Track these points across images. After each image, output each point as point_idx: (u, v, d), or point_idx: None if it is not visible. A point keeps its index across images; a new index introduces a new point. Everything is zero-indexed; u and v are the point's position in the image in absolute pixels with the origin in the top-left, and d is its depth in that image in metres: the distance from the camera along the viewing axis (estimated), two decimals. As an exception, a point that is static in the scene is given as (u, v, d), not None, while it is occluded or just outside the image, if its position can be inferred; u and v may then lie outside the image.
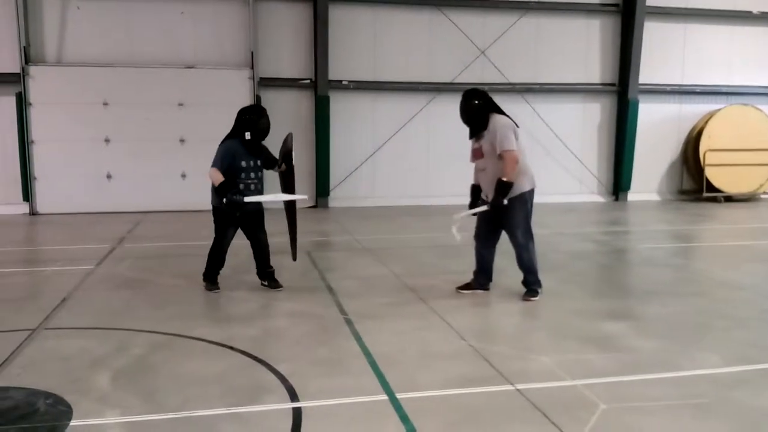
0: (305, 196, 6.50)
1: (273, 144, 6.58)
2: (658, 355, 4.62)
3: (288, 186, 6.61)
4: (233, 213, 6.23)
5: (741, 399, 3.81)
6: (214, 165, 6.18)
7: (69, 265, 7.91)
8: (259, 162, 6.39)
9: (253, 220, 6.46)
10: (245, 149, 6.28)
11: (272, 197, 6.37)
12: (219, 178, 6.11)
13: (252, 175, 6.32)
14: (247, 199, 6.15)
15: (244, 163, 6.25)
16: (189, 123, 13.54)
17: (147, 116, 13.40)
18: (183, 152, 13.55)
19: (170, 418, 3.56)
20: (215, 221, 6.43)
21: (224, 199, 6.09)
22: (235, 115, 6.42)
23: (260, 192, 6.45)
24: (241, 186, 6.23)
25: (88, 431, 3.43)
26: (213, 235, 6.49)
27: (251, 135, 6.27)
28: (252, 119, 6.31)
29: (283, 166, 6.48)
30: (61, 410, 3.65)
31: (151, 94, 13.42)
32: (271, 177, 6.68)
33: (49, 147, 13.09)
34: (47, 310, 5.79)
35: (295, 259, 6.97)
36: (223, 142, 6.35)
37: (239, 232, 6.53)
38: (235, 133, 6.34)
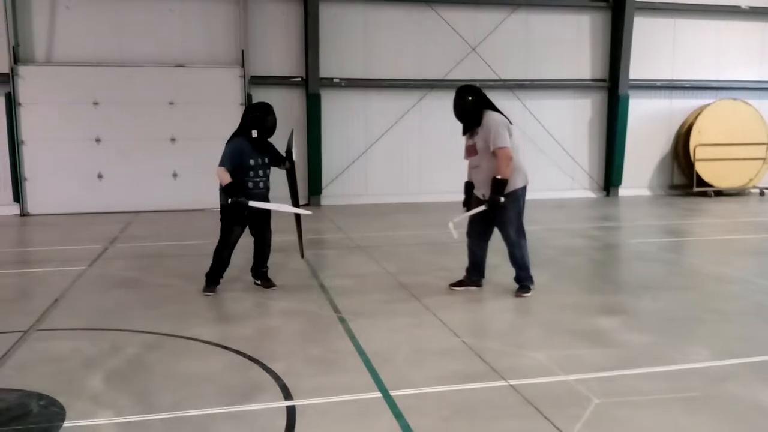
0: (309, 212, 6.50)
1: (275, 142, 6.57)
2: (649, 349, 4.65)
3: (292, 185, 6.65)
4: (241, 212, 6.22)
5: (730, 392, 3.85)
6: (222, 164, 6.13)
7: (61, 265, 7.89)
8: (266, 160, 6.39)
9: (260, 218, 6.44)
10: (252, 147, 6.25)
11: (276, 206, 6.33)
12: (226, 179, 6.08)
13: (260, 172, 6.31)
14: (251, 203, 6.13)
15: (252, 161, 6.23)
16: (180, 122, 13.50)
17: (137, 116, 13.34)
18: (174, 151, 13.50)
19: (164, 418, 3.56)
20: (222, 219, 6.36)
21: (229, 200, 6.08)
22: (241, 113, 6.45)
23: (268, 189, 6.46)
24: (250, 184, 6.22)
25: (82, 432, 3.43)
26: (207, 233, 6.44)
27: (258, 133, 6.25)
28: (259, 117, 6.28)
29: (288, 164, 6.50)
30: (55, 411, 3.64)
31: (142, 94, 13.36)
32: (276, 176, 6.67)
33: (39, 147, 13.02)
34: (39, 312, 5.77)
35: (302, 256, 7.04)
36: (230, 140, 6.32)
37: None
38: (242, 131, 6.32)
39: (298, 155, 13.86)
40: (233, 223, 6.32)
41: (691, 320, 5.41)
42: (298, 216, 6.75)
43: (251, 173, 6.24)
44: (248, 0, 13.89)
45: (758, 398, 3.75)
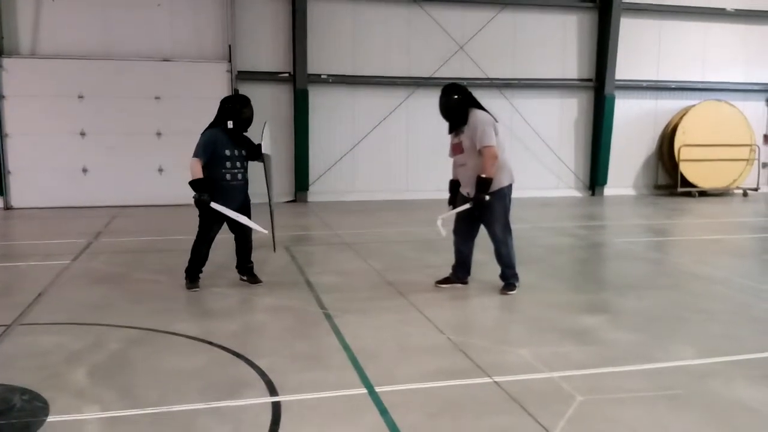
0: (266, 231, 6.36)
1: (253, 136, 6.52)
2: (634, 347, 4.69)
3: (266, 178, 6.60)
4: (204, 209, 6.12)
5: (714, 390, 3.89)
6: (195, 155, 6.07)
7: (44, 260, 7.82)
8: (243, 152, 6.33)
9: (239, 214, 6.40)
10: (228, 138, 6.21)
11: (235, 215, 6.17)
12: (197, 172, 6.02)
13: (237, 164, 6.25)
14: (213, 205, 6.03)
15: (227, 152, 6.18)
16: (166, 116, 13.43)
17: (123, 110, 13.27)
18: (160, 146, 13.45)
19: (149, 413, 3.55)
20: (200, 214, 6.29)
21: (192, 196, 6.03)
22: (218, 105, 6.35)
23: (246, 182, 6.39)
24: (228, 176, 6.17)
25: (65, 427, 3.40)
26: (193, 228, 6.40)
27: (234, 124, 6.20)
28: (235, 108, 6.23)
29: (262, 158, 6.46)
30: (38, 406, 3.61)
31: (128, 87, 13.28)
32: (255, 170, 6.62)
33: (23, 140, 12.91)
34: (22, 306, 5.72)
35: (275, 250, 7.01)
36: (204, 131, 6.27)
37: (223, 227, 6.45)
38: (218, 122, 6.27)
39: (284, 151, 13.94)
40: (212, 220, 6.27)
41: (675, 319, 5.45)
42: (271, 210, 6.71)
43: (228, 164, 6.18)
44: (236, -5, 13.85)
45: (741, 396, 3.79)
